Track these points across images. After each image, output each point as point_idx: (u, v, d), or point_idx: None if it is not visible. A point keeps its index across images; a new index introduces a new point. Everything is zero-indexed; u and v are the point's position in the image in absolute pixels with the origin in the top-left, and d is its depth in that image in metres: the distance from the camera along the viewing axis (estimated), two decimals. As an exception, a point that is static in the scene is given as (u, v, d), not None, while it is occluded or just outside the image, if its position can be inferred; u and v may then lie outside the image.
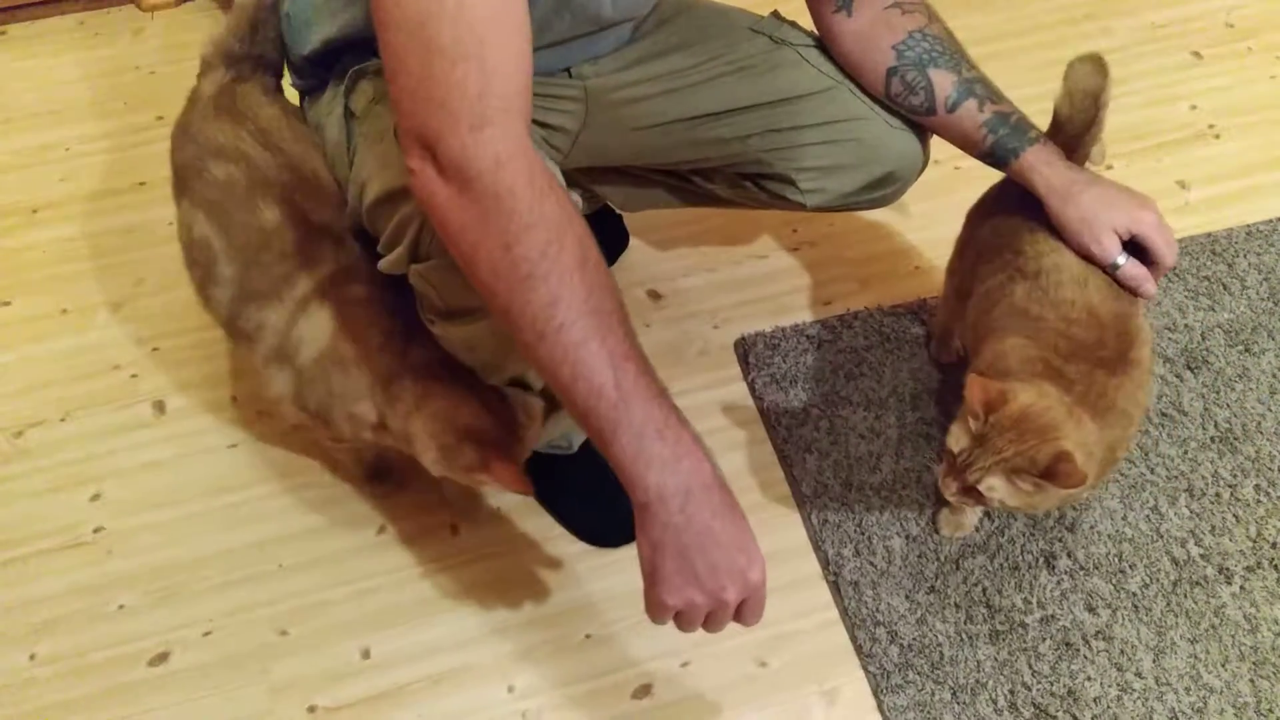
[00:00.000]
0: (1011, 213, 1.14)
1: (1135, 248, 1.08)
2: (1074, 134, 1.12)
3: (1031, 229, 1.11)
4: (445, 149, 0.77)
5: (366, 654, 1.17)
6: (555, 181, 0.82)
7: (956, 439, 1.03)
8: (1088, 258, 1.08)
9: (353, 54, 1.04)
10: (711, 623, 0.87)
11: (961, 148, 1.15)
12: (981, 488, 1.00)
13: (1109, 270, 1.08)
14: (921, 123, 1.16)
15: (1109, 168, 1.65)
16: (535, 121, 1.08)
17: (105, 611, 1.20)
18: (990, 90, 1.13)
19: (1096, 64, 1.11)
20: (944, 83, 1.11)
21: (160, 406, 1.39)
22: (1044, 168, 1.09)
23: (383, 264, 0.96)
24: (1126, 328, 1.06)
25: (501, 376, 1.04)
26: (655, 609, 0.86)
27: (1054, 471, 0.96)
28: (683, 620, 0.87)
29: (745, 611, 0.87)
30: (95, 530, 1.27)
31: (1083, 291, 1.07)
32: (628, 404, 0.80)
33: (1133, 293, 1.08)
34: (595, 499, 1.21)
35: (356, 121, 1.02)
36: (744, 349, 1.42)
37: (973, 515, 1.21)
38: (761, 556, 0.86)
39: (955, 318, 1.29)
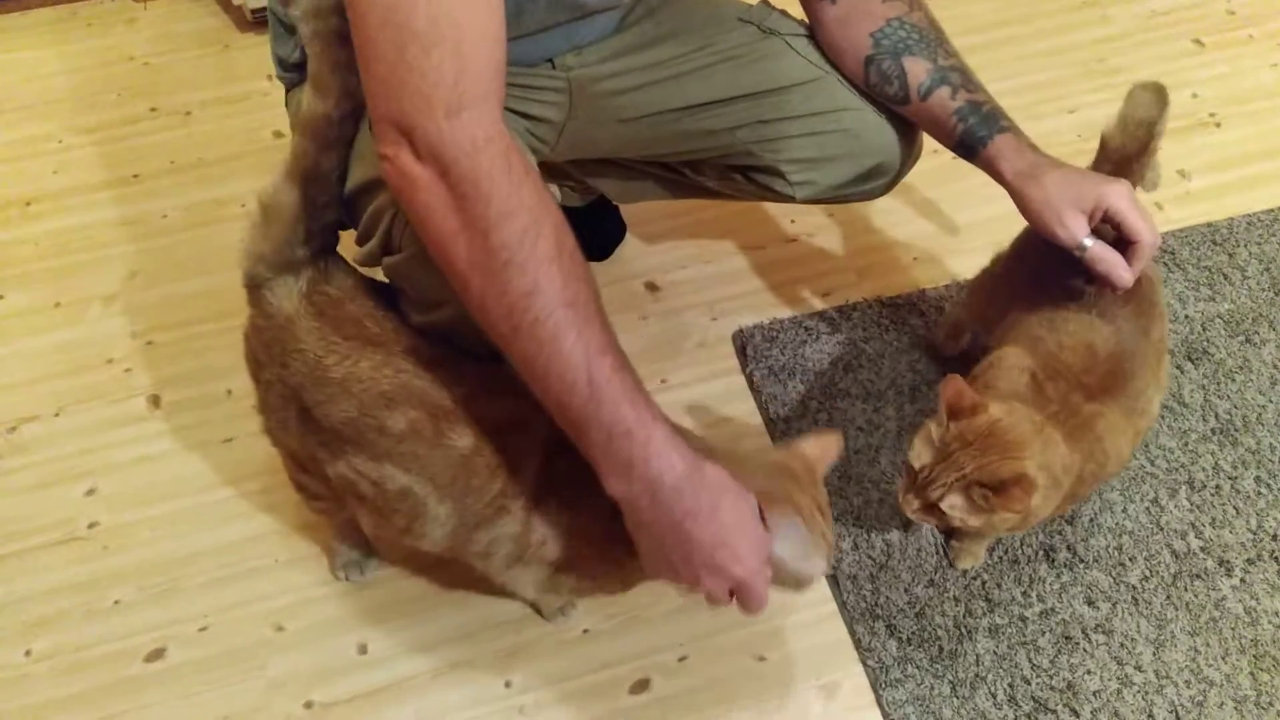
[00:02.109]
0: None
1: (1121, 246, 1.03)
2: (1121, 160, 1.09)
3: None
4: (421, 135, 0.76)
5: (363, 649, 1.16)
6: (531, 168, 0.81)
7: (919, 455, 1.01)
8: (1055, 242, 1.03)
9: None
10: (709, 601, 0.87)
11: (936, 138, 1.13)
12: (944, 505, 0.99)
13: (1077, 254, 1.02)
14: (899, 112, 1.14)
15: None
16: (519, 113, 1.07)
17: (101, 607, 1.20)
18: (966, 79, 1.10)
19: (1158, 93, 1.08)
20: (917, 70, 1.10)
21: (155, 401, 1.38)
22: (1010, 153, 1.06)
23: (357, 256, 0.95)
24: (1123, 367, 1.04)
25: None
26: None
27: (1006, 491, 0.95)
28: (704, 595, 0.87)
29: (740, 601, 0.86)
30: (90, 525, 1.26)
31: (1088, 329, 1.05)
32: (599, 402, 0.79)
33: (1105, 281, 1.03)
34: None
35: None
36: (742, 341, 1.42)
37: (985, 545, 1.20)
38: (754, 549, 0.84)
39: (975, 315, 1.28)
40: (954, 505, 0.98)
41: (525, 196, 0.78)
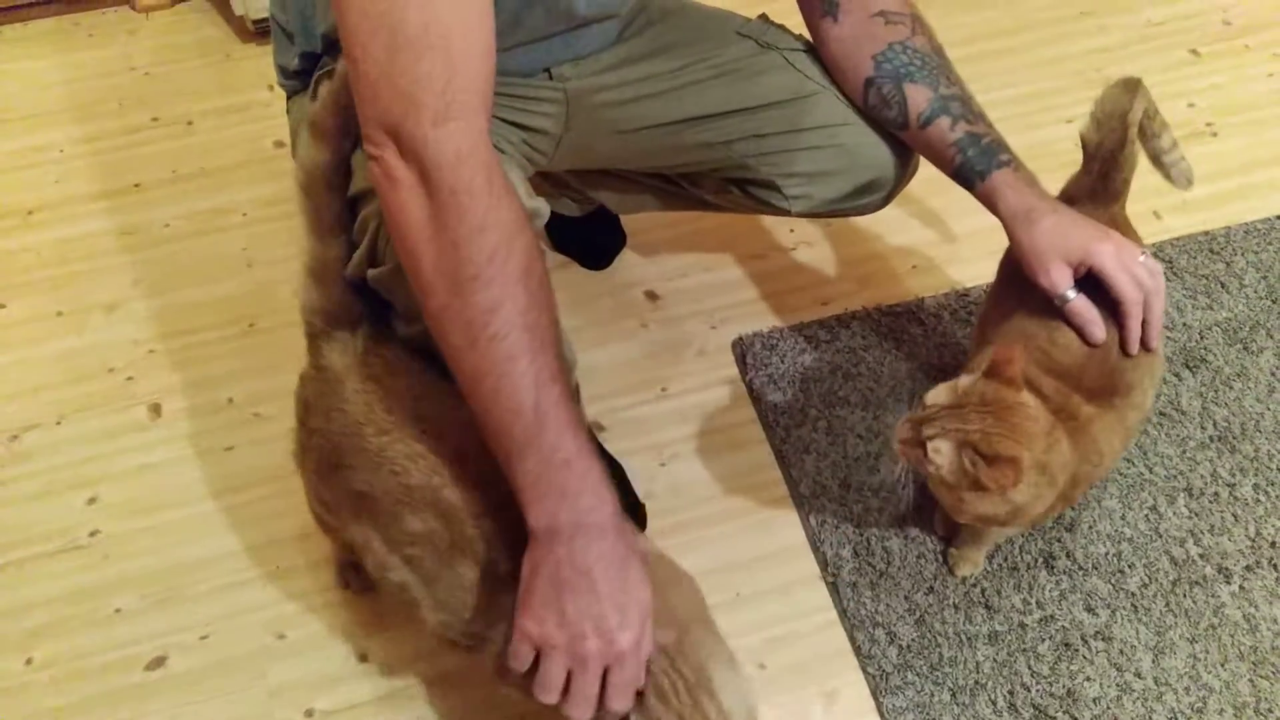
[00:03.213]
0: None
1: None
2: (1104, 157, 1.10)
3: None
4: (407, 139, 0.77)
5: (364, 657, 1.16)
6: (511, 186, 0.81)
7: (936, 395, 1.00)
8: (1039, 288, 1.03)
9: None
10: (575, 681, 0.78)
11: (936, 165, 1.13)
12: (930, 447, 0.97)
13: (1059, 303, 1.03)
14: (898, 136, 1.15)
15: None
16: (515, 124, 1.07)
17: (102, 615, 1.20)
18: (967, 109, 1.10)
19: (1126, 85, 1.09)
20: (918, 98, 1.10)
21: (156, 409, 1.38)
22: (1008, 191, 1.05)
23: (348, 269, 0.96)
24: (1120, 368, 1.04)
25: None
26: (514, 638, 0.79)
27: (996, 465, 0.94)
28: (543, 673, 0.78)
29: (612, 680, 0.78)
30: (91, 534, 1.26)
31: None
32: (542, 428, 0.78)
33: (1080, 334, 1.02)
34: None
35: None
36: (742, 349, 1.42)
37: (983, 551, 1.20)
38: (642, 629, 0.78)
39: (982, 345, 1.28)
40: (939, 452, 0.97)
41: (502, 214, 0.79)
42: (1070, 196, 1.15)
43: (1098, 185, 1.13)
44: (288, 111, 1.15)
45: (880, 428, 1.33)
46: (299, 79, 1.10)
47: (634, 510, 1.28)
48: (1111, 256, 0.99)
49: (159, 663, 1.16)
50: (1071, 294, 1.01)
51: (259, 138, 1.74)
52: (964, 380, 1.00)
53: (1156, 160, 1.17)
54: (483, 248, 0.77)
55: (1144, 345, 1.03)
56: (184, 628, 1.19)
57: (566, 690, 0.78)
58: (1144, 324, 1.02)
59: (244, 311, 1.49)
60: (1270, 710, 1.10)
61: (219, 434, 1.35)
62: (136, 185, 1.67)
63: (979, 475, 0.96)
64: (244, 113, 1.79)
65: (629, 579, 0.79)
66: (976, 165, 1.07)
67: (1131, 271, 0.99)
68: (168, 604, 1.21)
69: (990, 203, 1.07)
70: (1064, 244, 1.00)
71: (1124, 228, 1.13)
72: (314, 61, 1.06)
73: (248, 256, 1.56)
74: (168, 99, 1.81)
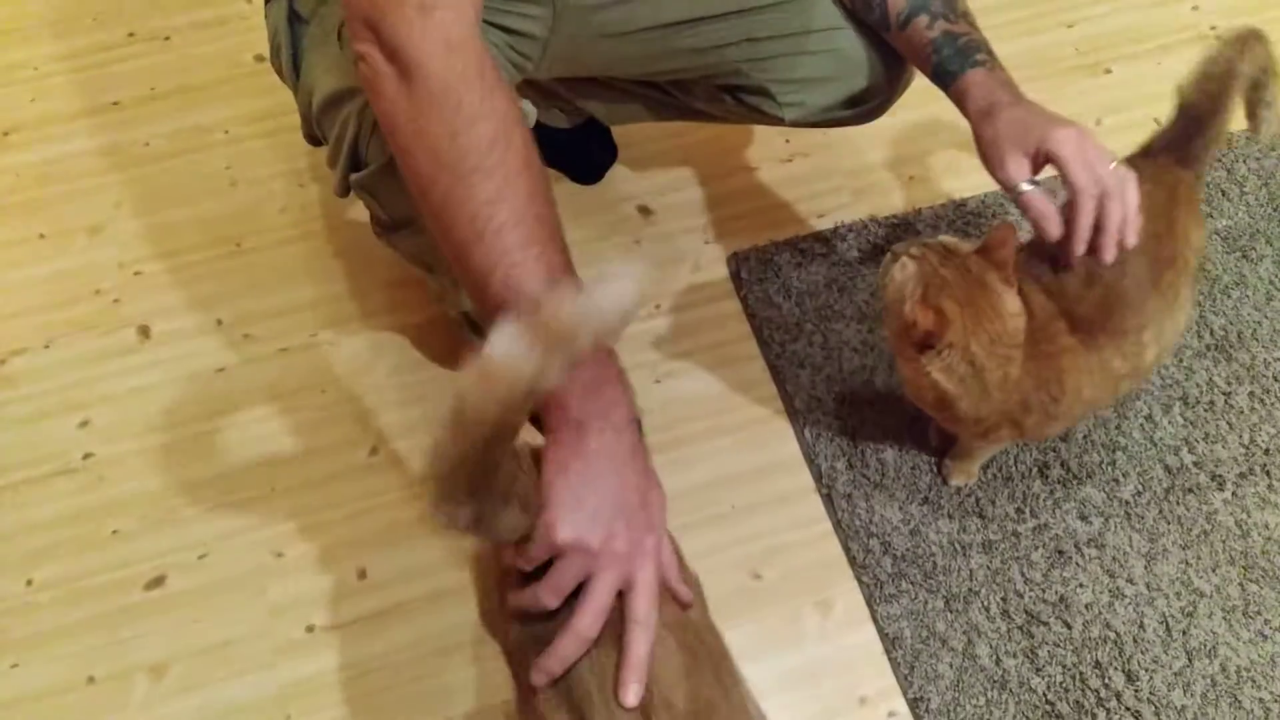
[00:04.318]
0: None
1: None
2: (1193, 118, 1.05)
3: None
4: (390, 30, 0.74)
5: (363, 574, 1.17)
6: (504, 78, 0.78)
7: (947, 238, 0.98)
8: (996, 182, 0.98)
9: None
10: (596, 584, 0.71)
11: (918, 68, 1.09)
12: (900, 262, 0.96)
13: (1012, 197, 0.97)
14: (886, 39, 1.11)
15: (1107, 71, 1.61)
16: (500, 27, 1.04)
17: (99, 537, 1.20)
18: (948, 7, 1.05)
19: (1241, 41, 1.02)
20: None
21: (145, 331, 1.37)
22: (976, 90, 0.99)
23: (334, 185, 0.93)
24: (1115, 307, 0.99)
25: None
26: (539, 543, 0.71)
27: (925, 309, 0.92)
28: (561, 571, 0.71)
29: (640, 581, 0.71)
30: (85, 456, 1.26)
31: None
32: None
33: (1036, 229, 0.97)
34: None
35: (304, 25, 0.98)
36: (736, 264, 1.40)
37: (977, 462, 1.20)
38: (669, 542, 0.75)
39: None
40: (904, 269, 0.95)
41: (497, 103, 0.76)
42: (1148, 149, 1.09)
43: (1177, 143, 1.07)
44: (265, 16, 1.11)
45: (875, 340, 1.32)
46: None
47: None
48: (1071, 143, 0.92)
49: (158, 582, 1.17)
50: (1026, 186, 0.95)
51: (239, 52, 1.69)
52: (966, 245, 0.97)
53: (1251, 109, 1.10)
54: (481, 137, 0.75)
55: (1096, 252, 0.96)
56: (182, 548, 1.19)
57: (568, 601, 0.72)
58: (1100, 231, 0.94)
59: (230, 231, 1.47)
60: (1259, 613, 1.11)
61: (209, 355, 1.34)
62: (115, 103, 1.63)
63: (911, 311, 0.92)
64: (223, 26, 1.74)
65: (651, 478, 0.77)
66: (950, 65, 1.02)
67: (1090, 163, 0.92)
68: (164, 525, 1.21)
69: (960, 103, 1.02)
70: (1022, 134, 0.94)
71: (1185, 200, 1.05)
72: None
73: (231, 175, 1.53)
74: (143, 13, 1.76)
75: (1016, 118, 0.96)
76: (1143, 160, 1.07)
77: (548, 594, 0.71)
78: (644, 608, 0.71)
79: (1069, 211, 0.94)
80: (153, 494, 1.23)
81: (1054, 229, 0.94)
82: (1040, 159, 0.94)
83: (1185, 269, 1.03)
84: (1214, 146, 1.06)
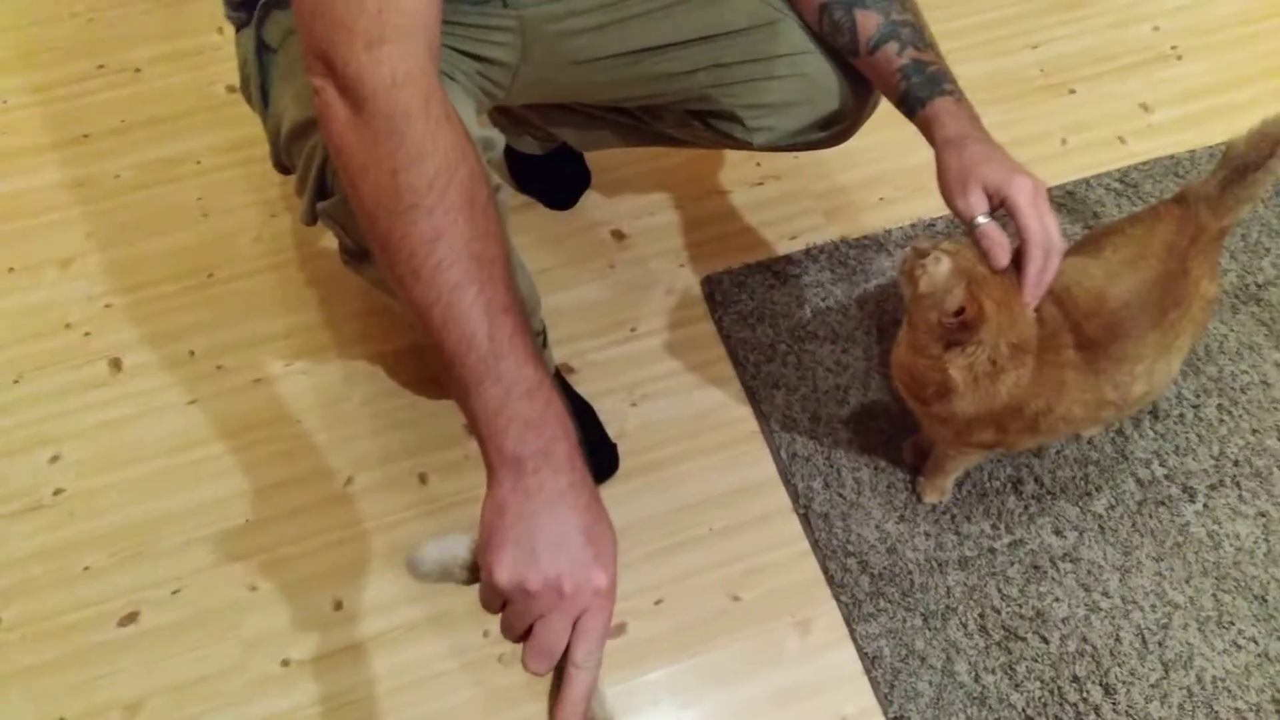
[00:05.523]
0: None
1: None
2: (1237, 170, 1.06)
3: None
4: (341, 66, 0.75)
5: (338, 606, 1.16)
6: (454, 113, 0.78)
7: (995, 224, 0.98)
8: (953, 212, 1.00)
9: None
10: (542, 628, 0.70)
11: (884, 94, 1.10)
12: (931, 257, 0.98)
13: (969, 228, 0.99)
14: (852, 63, 1.13)
15: (1071, 91, 1.64)
16: (471, 54, 1.05)
17: (71, 573, 1.19)
18: (918, 36, 1.07)
19: None
20: (868, 23, 1.07)
21: (116, 364, 1.36)
22: (947, 119, 1.01)
23: (301, 212, 0.93)
24: (1117, 331, 1.01)
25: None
26: (483, 586, 0.72)
27: (967, 307, 0.93)
28: (510, 614, 0.72)
29: (584, 625, 0.71)
30: (55, 492, 1.25)
31: (1108, 278, 1.02)
32: (499, 358, 0.74)
33: (986, 257, 0.98)
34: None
35: (272, 55, 0.99)
36: (710, 287, 1.41)
37: (951, 479, 1.21)
38: (613, 571, 0.73)
39: None
40: (938, 262, 0.97)
41: (441, 140, 0.76)
42: (1183, 197, 1.11)
43: (1214, 191, 1.09)
44: (237, 45, 1.11)
45: (849, 360, 1.33)
46: (245, 10, 1.06)
47: (607, 451, 1.27)
48: (1028, 192, 0.95)
49: (131, 618, 1.16)
50: (983, 219, 0.98)
51: (210, 83, 1.69)
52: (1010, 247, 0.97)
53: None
54: (421, 175, 0.74)
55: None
56: (154, 583, 1.18)
57: (526, 637, 0.72)
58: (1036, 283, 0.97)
59: (202, 262, 1.46)
60: (1233, 623, 1.12)
61: (181, 388, 1.33)
62: (85, 136, 1.62)
63: (954, 299, 0.94)
64: (194, 58, 1.74)
65: (599, 515, 0.76)
66: (919, 92, 1.05)
67: (1041, 215, 0.96)
68: (137, 560, 1.19)
69: (927, 129, 1.04)
70: (986, 171, 0.97)
71: (1205, 250, 1.07)
72: None
73: (203, 206, 1.53)
74: (113, 46, 1.76)
75: (983, 154, 0.99)
76: (1175, 205, 1.09)
77: (505, 635, 0.72)
78: (582, 651, 0.71)
79: (1018, 257, 0.98)
80: (125, 528, 1.22)
81: (1003, 259, 0.97)
82: (995, 199, 0.97)
83: (1190, 315, 1.06)
84: (1249, 204, 1.09)
